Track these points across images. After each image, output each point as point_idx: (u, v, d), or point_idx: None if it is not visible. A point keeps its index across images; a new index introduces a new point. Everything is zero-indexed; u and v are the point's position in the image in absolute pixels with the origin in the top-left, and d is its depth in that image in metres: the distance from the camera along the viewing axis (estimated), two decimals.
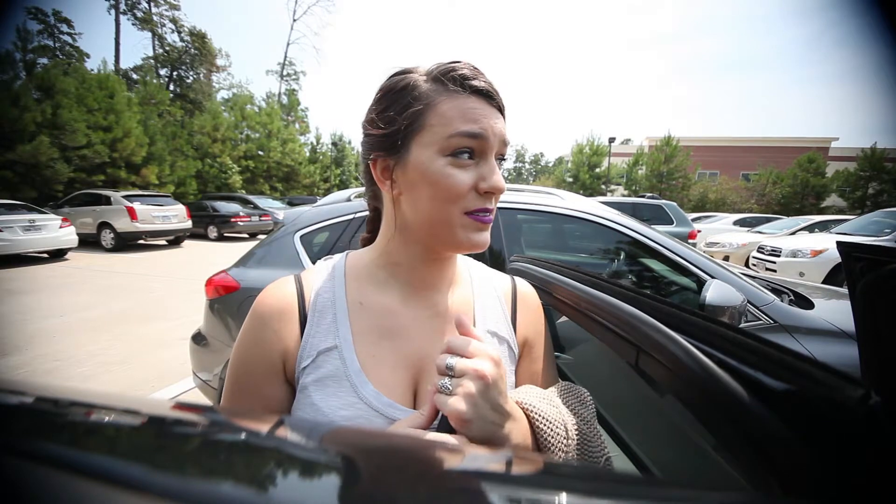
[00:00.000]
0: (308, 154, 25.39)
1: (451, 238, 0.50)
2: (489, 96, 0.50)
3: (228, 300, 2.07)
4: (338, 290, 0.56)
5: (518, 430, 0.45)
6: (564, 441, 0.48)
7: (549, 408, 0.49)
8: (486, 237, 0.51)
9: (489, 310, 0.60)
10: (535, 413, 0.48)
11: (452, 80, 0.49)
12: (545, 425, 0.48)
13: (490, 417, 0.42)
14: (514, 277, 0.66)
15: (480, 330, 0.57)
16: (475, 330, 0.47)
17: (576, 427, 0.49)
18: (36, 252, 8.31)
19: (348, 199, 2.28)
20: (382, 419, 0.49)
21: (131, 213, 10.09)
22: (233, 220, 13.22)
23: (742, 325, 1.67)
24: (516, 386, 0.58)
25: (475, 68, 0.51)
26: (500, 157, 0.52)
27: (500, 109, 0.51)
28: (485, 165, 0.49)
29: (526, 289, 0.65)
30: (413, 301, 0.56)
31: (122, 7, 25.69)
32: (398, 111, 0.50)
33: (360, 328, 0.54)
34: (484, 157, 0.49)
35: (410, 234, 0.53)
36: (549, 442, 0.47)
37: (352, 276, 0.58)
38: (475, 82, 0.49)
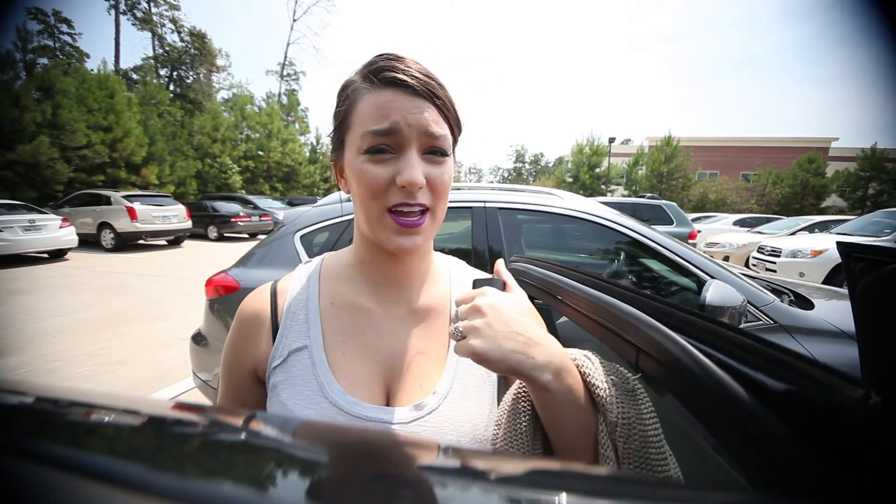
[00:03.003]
0: (308, 154, 25.41)
1: (378, 237, 0.50)
2: (407, 86, 0.47)
3: (228, 300, 2.07)
4: (311, 291, 0.58)
5: (548, 355, 0.42)
6: (602, 372, 0.43)
7: (581, 354, 0.47)
8: (410, 241, 0.49)
9: None
10: (573, 352, 0.46)
11: (370, 74, 0.48)
12: (582, 357, 0.45)
13: (507, 346, 0.40)
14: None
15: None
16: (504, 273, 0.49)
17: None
18: (36, 252, 8.32)
19: (348, 200, 2.28)
20: (346, 417, 0.49)
21: (131, 213, 10.10)
22: (233, 220, 13.24)
23: (742, 326, 1.67)
24: (508, 383, 0.56)
25: (397, 58, 0.48)
26: (432, 151, 0.49)
27: (430, 97, 0.48)
28: (401, 159, 0.47)
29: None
30: (384, 298, 0.57)
31: (122, 7, 25.71)
32: (337, 112, 0.53)
33: (331, 328, 0.55)
34: (401, 150, 0.48)
35: (362, 230, 0.54)
36: (591, 374, 0.44)
37: (326, 278, 0.60)
38: (390, 73, 0.47)
